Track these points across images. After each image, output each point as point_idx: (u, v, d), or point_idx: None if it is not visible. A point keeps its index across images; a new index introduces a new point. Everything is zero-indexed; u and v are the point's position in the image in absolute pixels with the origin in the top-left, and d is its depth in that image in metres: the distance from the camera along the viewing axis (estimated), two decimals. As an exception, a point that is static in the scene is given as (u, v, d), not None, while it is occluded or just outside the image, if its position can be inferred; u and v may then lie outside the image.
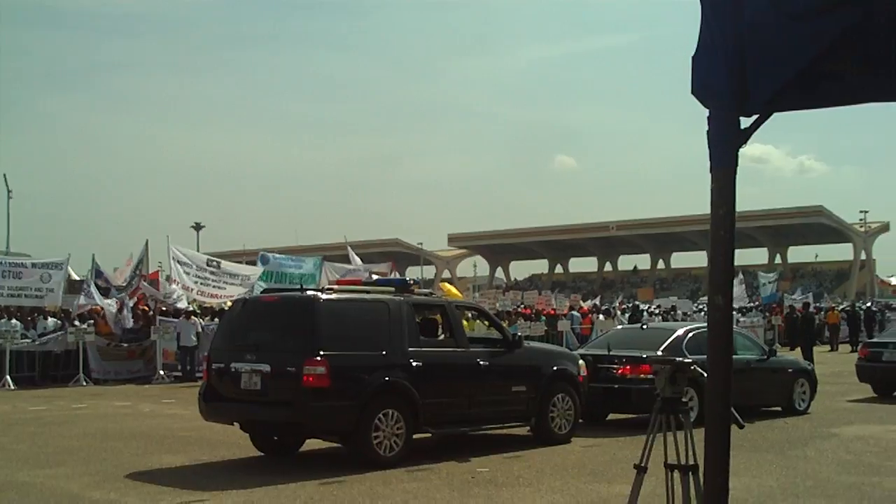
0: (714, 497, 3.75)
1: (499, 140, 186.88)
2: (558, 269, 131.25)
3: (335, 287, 14.51)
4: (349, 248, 38.50)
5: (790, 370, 18.78)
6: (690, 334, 16.71)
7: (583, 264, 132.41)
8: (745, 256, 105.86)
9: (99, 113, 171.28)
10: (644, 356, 15.71)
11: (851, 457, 13.22)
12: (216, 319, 27.73)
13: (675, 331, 17.46)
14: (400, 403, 12.81)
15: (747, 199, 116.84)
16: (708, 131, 3.57)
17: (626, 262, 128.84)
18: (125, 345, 28.42)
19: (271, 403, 12.62)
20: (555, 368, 14.89)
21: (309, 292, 13.53)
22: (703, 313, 41.59)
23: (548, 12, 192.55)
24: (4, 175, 66.05)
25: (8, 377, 25.53)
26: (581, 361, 15.58)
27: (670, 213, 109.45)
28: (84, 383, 26.16)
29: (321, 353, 12.17)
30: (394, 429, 12.61)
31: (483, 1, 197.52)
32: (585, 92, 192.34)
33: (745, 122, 3.60)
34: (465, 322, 18.41)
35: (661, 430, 6.52)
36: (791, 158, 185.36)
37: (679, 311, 46.37)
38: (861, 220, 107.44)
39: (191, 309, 29.49)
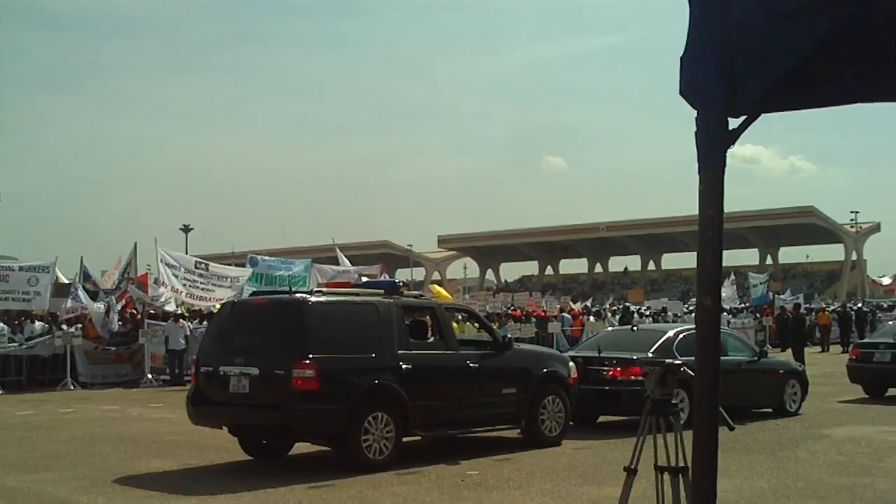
0: (701, 499, 3.73)
1: (489, 141, 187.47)
2: (549, 270, 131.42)
3: (324, 289, 14.47)
4: (337, 249, 38.46)
5: (781, 371, 18.79)
6: (681, 336, 16.68)
7: (573, 266, 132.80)
8: (736, 257, 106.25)
9: (87, 114, 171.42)
10: (634, 358, 15.71)
11: (843, 458, 13.20)
12: (205, 322, 27.66)
13: (665, 332, 17.43)
14: (389, 406, 12.77)
15: (738, 199, 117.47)
16: (696, 132, 3.55)
17: (617, 264, 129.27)
18: (113, 348, 28.29)
19: (260, 407, 12.56)
20: (545, 370, 14.86)
21: (298, 295, 13.50)
22: (693, 315, 41.55)
23: (540, 13, 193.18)
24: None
25: (-5, 381, 25.38)
26: (571, 363, 15.54)
27: (661, 214, 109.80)
28: (71, 387, 26.01)
29: (310, 355, 12.13)
30: (383, 432, 12.56)
31: (475, 1, 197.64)
32: (576, 93, 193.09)
33: (734, 123, 3.56)
34: (454, 324, 18.38)
35: (652, 431, 6.49)
36: (782, 159, 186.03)
37: (670, 313, 46.36)
38: (852, 220, 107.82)
39: (179, 312, 29.40)
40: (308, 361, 12.06)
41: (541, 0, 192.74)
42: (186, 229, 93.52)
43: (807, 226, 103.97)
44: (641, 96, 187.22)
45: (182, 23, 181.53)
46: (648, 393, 6.61)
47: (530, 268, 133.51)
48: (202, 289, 28.33)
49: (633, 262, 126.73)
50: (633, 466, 6.55)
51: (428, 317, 15.13)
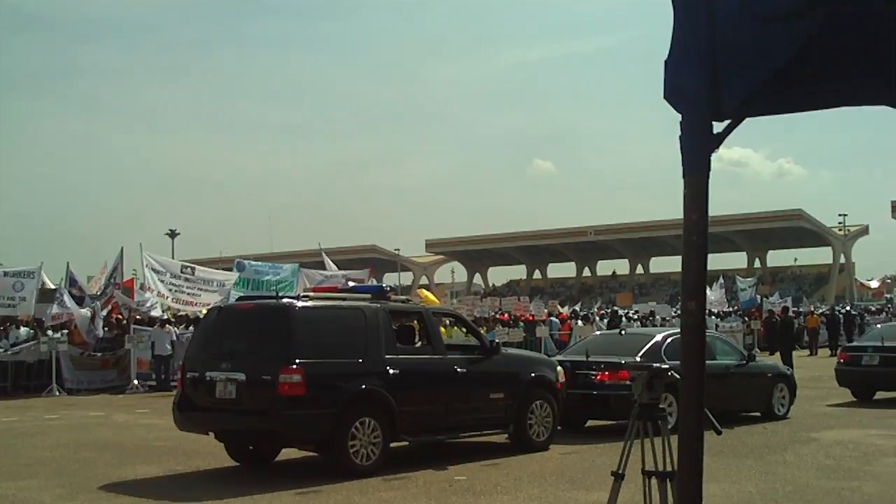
0: (687, 503, 3.70)
1: (477, 145, 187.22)
2: (537, 274, 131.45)
3: (311, 294, 14.44)
4: (324, 254, 38.44)
5: (769, 375, 18.79)
6: (669, 340, 16.66)
7: (561, 270, 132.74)
8: (725, 260, 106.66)
9: (72, 119, 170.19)
10: (622, 362, 15.70)
11: (831, 462, 13.21)
12: (191, 328, 27.58)
13: (653, 336, 17.42)
14: (377, 411, 12.74)
15: (726, 202, 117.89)
16: (680, 136, 3.52)
17: (605, 268, 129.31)
18: (99, 354, 28.18)
19: (246, 412, 12.52)
20: (533, 375, 14.83)
21: (284, 300, 13.45)
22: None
23: (528, 15, 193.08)
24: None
25: (-20, 388, 25.28)
26: (559, 368, 15.52)
27: (649, 217, 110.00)
28: (57, 393, 25.90)
29: (297, 361, 12.09)
30: (370, 437, 12.52)
31: (460, 4, 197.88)
32: (564, 96, 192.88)
33: (718, 127, 3.54)
34: (442, 329, 18.35)
35: (639, 436, 6.47)
36: (770, 162, 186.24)
37: (658, 317, 46.39)
38: (840, 223, 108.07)
39: (165, 317, 29.32)
40: (295, 367, 12.02)
41: (528, 3, 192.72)
42: (173, 234, 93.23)
43: (795, 229, 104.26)
44: (631, 99, 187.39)
45: (166, 26, 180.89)
46: (636, 397, 6.59)
47: (518, 272, 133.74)
48: (188, 293, 28.30)
49: (621, 266, 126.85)
50: (620, 471, 6.53)
51: (415, 321, 15.11)
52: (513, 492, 11.32)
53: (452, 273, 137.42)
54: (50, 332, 27.44)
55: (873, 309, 59.46)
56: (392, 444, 13.02)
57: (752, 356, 19.14)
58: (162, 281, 27.88)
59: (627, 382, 13.28)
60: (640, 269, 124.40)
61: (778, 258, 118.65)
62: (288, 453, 13.77)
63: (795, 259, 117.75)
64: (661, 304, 58.86)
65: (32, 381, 26.66)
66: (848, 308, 54.03)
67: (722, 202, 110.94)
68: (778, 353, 32.75)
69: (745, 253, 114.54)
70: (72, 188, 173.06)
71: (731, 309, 51.77)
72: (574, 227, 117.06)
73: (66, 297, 28.96)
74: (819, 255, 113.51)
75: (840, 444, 14.75)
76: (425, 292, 39.97)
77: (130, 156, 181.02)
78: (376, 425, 12.60)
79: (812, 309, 52.11)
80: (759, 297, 53.25)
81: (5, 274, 28.06)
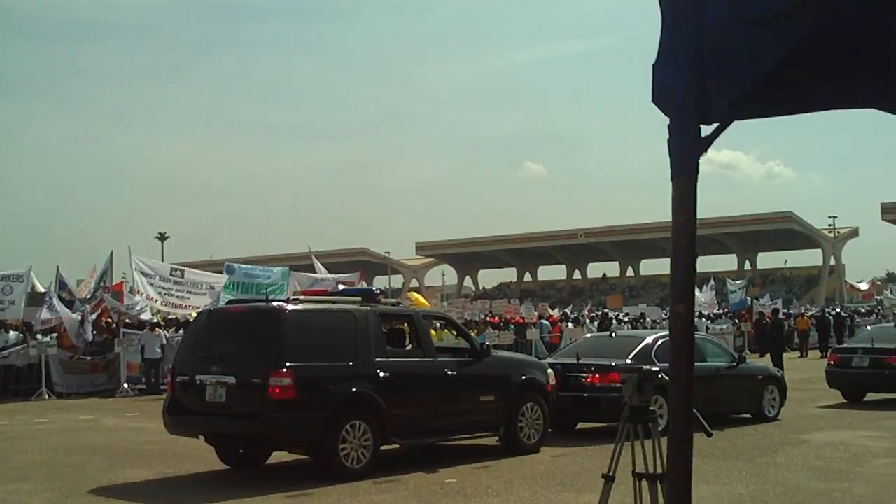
0: (676, 504, 3.70)
1: (468, 147, 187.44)
2: (527, 277, 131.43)
3: (301, 297, 14.43)
4: (314, 257, 38.39)
5: (760, 377, 18.82)
6: (659, 342, 16.68)
7: (552, 272, 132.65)
8: (715, 263, 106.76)
9: (62, 120, 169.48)
10: (613, 364, 15.71)
11: (821, 463, 13.24)
12: (181, 331, 27.50)
13: (644, 339, 17.44)
14: (367, 414, 12.73)
15: (716, 205, 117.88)
16: (668, 139, 3.52)
17: (595, 270, 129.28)
18: (88, 358, 28.09)
19: (237, 416, 12.51)
20: (523, 377, 14.84)
21: (275, 303, 13.45)
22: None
23: (519, 18, 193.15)
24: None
25: (-31, 392, 25.17)
26: (550, 370, 15.53)
27: (639, 220, 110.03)
28: (47, 397, 25.80)
29: (287, 364, 12.08)
30: (361, 440, 12.52)
31: (454, 6, 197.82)
32: (555, 98, 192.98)
33: (707, 130, 3.55)
34: (432, 332, 18.36)
35: (630, 438, 6.48)
36: (760, 164, 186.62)
37: (648, 319, 46.43)
38: (830, 225, 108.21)
39: (155, 321, 29.24)
40: (285, 370, 12.01)
41: (519, 5, 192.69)
42: (162, 237, 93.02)
43: (785, 231, 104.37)
44: (621, 101, 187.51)
45: (165, 27, 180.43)
46: (626, 399, 6.60)
47: (508, 275, 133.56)
48: (178, 296, 28.22)
49: (611, 269, 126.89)
50: (611, 473, 6.54)
51: (405, 324, 15.11)
52: (503, 494, 11.32)
53: (443, 276, 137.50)
54: (39, 336, 27.32)
55: (863, 311, 59.50)
56: (382, 447, 13.02)
57: (742, 358, 19.15)
58: (151, 284, 27.80)
59: (618, 385, 13.28)
60: (630, 272, 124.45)
61: (768, 260, 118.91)
62: (278, 456, 13.76)
63: (785, 261, 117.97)
64: (651, 307, 58.84)
65: (22, 385, 26.51)
66: (838, 310, 54.05)
67: (712, 204, 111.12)
68: (768, 355, 32.80)
69: (735, 255, 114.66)
70: (70, 189, 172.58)
71: (721, 311, 51.80)
72: (564, 230, 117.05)
73: (56, 301, 28.83)
74: (809, 258, 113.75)
75: (830, 446, 14.78)
76: (416, 295, 39.99)
77: (121, 158, 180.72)
78: (367, 428, 12.60)
79: (802, 311, 52.22)
80: (749, 299, 53.31)
81: (-6, 277, 27.95)
